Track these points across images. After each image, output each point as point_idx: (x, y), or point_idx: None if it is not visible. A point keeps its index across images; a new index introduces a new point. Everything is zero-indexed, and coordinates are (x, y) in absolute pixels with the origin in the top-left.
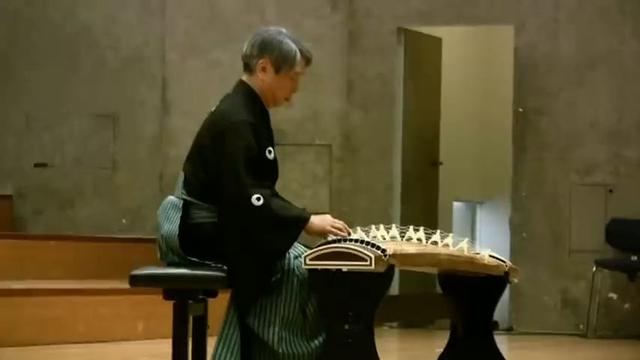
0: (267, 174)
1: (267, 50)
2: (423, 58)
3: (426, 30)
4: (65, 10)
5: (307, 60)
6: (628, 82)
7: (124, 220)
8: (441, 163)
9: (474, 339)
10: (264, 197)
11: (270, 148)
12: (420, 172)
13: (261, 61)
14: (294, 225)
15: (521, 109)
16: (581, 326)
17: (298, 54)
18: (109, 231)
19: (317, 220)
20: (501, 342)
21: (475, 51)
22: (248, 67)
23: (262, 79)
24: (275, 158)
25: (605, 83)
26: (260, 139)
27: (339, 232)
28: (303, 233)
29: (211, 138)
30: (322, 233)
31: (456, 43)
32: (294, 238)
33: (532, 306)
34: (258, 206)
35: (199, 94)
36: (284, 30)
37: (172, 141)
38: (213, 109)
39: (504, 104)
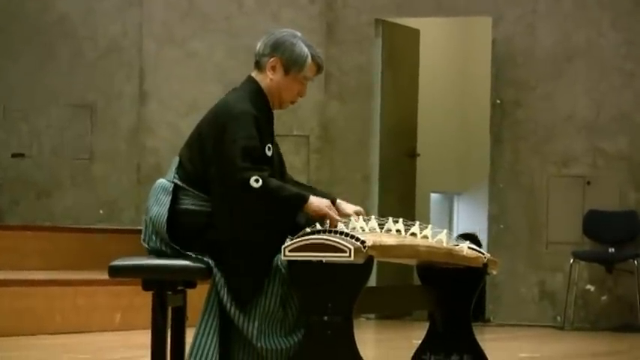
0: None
1: (279, 50)
2: (400, 50)
3: (403, 21)
4: (42, 0)
5: (318, 67)
6: (606, 75)
7: (101, 211)
8: (419, 155)
9: (453, 330)
10: (262, 178)
11: (270, 145)
12: (397, 164)
13: (271, 59)
14: (294, 203)
15: (498, 101)
16: (558, 318)
17: (309, 58)
18: (86, 222)
19: (316, 201)
20: (478, 333)
21: (453, 43)
22: (258, 65)
23: (271, 78)
24: (273, 156)
25: (583, 75)
26: (262, 134)
27: (334, 216)
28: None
29: (212, 126)
30: (319, 214)
31: (434, 35)
32: (293, 218)
33: (509, 298)
34: (256, 188)
35: (177, 85)
36: (299, 34)
37: (150, 131)
38: (218, 100)
39: (482, 96)
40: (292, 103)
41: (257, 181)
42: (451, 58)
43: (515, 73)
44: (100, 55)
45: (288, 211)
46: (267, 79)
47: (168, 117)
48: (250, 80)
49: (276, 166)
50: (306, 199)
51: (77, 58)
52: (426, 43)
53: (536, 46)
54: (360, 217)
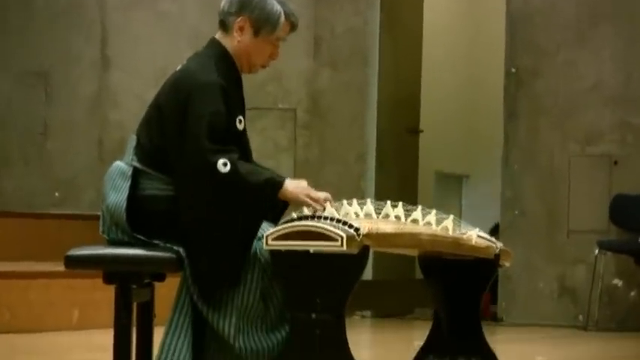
0: (235, 145)
1: (248, 8)
2: (401, 11)
3: None
4: None
5: (292, 25)
6: (636, 39)
7: (56, 193)
8: (422, 131)
9: (460, 331)
10: (231, 162)
11: (241, 117)
12: (397, 141)
13: (239, 19)
14: (266, 191)
15: (513, 70)
16: (580, 317)
17: (282, 16)
18: (39, 206)
19: (291, 186)
20: (489, 334)
21: (462, 2)
22: (224, 25)
23: (238, 40)
24: (245, 129)
25: (610, 40)
26: (230, 106)
27: (314, 204)
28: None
29: (174, 99)
30: (295, 203)
31: None
32: (276, 206)
33: (524, 294)
34: (225, 173)
35: (145, 49)
36: None
37: (113, 102)
38: (178, 67)
39: (495, 64)
40: (263, 67)
41: (225, 164)
42: (459, 20)
43: (533, 38)
44: (56, 14)
45: (260, 199)
46: (234, 41)
47: (134, 86)
48: (214, 43)
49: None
50: (280, 185)
51: (28, 19)
52: (430, 3)
53: (557, 6)
54: (354, 200)
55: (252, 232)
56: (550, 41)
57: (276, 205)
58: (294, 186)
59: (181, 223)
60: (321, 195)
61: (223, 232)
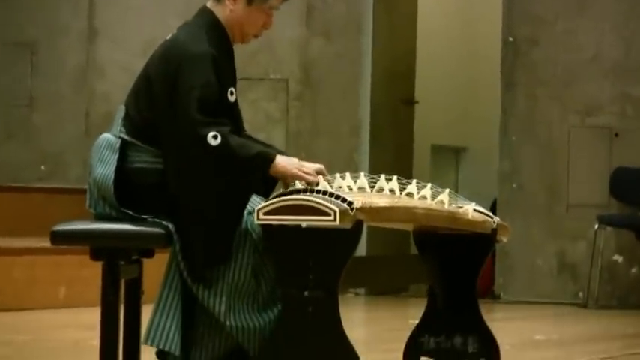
0: (227, 117)
1: None
2: None
3: None
4: None
5: None
6: (637, 9)
7: (43, 167)
8: (417, 102)
9: (456, 308)
10: (221, 135)
11: (232, 89)
12: (392, 112)
13: None
14: (257, 165)
15: (511, 39)
16: (580, 294)
17: None
18: (24, 179)
19: (283, 161)
20: (486, 311)
21: None
22: None
23: (231, 9)
24: (237, 101)
25: (611, 9)
26: (221, 77)
27: (306, 177)
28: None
29: (163, 70)
30: (287, 177)
31: None
32: (267, 181)
33: (523, 270)
34: (215, 146)
35: (133, 19)
36: None
37: (100, 74)
38: (168, 37)
39: (491, 33)
40: (256, 36)
41: (215, 137)
42: None
43: (531, 6)
44: None
45: (250, 174)
46: (226, 10)
47: (122, 57)
48: (205, 12)
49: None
50: (271, 159)
51: None
52: None
53: None
54: (347, 174)
55: (242, 206)
56: (549, 10)
57: (267, 180)
58: (286, 162)
59: (170, 196)
60: (315, 166)
61: (213, 205)
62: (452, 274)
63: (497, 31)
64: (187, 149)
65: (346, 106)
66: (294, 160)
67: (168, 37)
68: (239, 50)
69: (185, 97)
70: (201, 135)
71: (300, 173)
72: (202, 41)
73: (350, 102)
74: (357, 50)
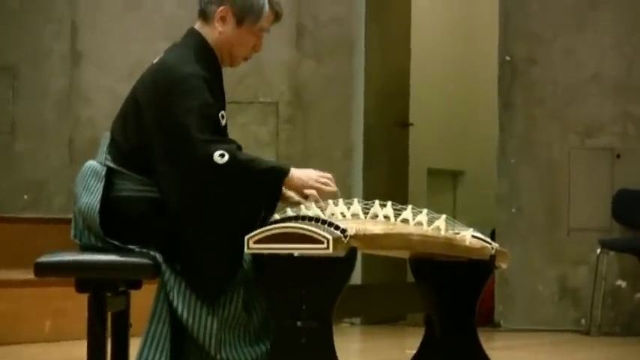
0: None
1: None
2: None
3: None
4: None
5: (276, 15)
6: (638, 25)
7: (25, 196)
8: (412, 124)
9: (454, 337)
10: (228, 152)
11: (223, 113)
12: (385, 135)
13: (220, 8)
14: (273, 178)
15: (508, 58)
16: (582, 321)
17: (266, 6)
18: (7, 209)
19: (298, 173)
20: (485, 340)
21: None
22: (204, 15)
23: (220, 31)
24: (226, 125)
25: (611, 24)
26: (214, 100)
27: (325, 187)
28: None
29: (153, 94)
30: (304, 189)
31: None
32: (275, 197)
33: (523, 297)
34: (223, 164)
35: (117, 42)
36: None
37: (85, 99)
38: (155, 60)
39: (488, 51)
40: (245, 59)
41: (222, 155)
42: (450, 6)
43: (529, 23)
44: (23, 6)
45: (264, 190)
46: (215, 31)
47: (107, 81)
48: (194, 34)
49: None
50: (286, 172)
51: None
52: None
53: None
54: (340, 200)
55: (251, 229)
56: (547, 27)
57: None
58: (303, 173)
59: (165, 225)
60: (328, 175)
61: (223, 230)
62: (450, 302)
63: (494, 50)
64: (193, 172)
65: (338, 129)
66: (311, 172)
67: (155, 61)
68: (227, 73)
69: (183, 119)
70: (207, 155)
71: (318, 185)
72: (192, 62)
73: (342, 125)
74: (348, 72)
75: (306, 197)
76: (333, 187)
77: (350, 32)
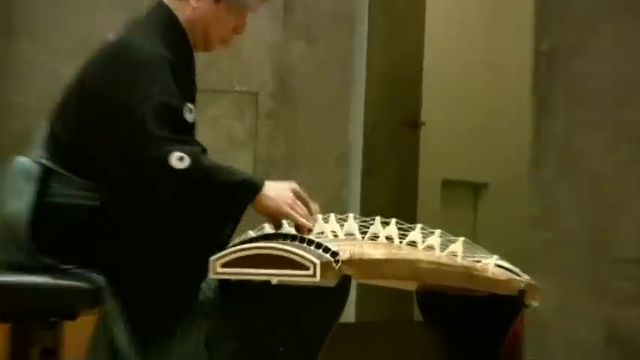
0: None
1: None
2: None
3: None
4: None
5: None
6: None
7: None
8: (424, 124)
9: None
10: (190, 155)
11: (191, 106)
12: (391, 137)
13: None
14: (240, 194)
15: (545, 47)
16: None
17: None
18: None
19: (272, 192)
20: None
21: None
22: None
23: (194, 7)
24: (195, 122)
25: None
26: (179, 90)
27: (299, 219)
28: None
29: (103, 77)
30: (275, 215)
31: None
32: (240, 214)
33: (560, 343)
34: (180, 170)
35: (60, 15)
36: None
37: (18, 82)
38: (111, 37)
39: (520, 39)
40: (223, 43)
41: (181, 159)
42: None
43: (573, 3)
44: None
45: (227, 208)
46: (187, 7)
47: (46, 61)
48: (161, 8)
49: None
50: (258, 187)
51: None
52: None
53: None
54: (332, 215)
55: (211, 251)
56: (593, 11)
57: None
58: (279, 191)
59: (103, 241)
60: (313, 207)
61: (176, 251)
62: (466, 347)
63: (528, 37)
64: (143, 175)
65: (333, 127)
66: (286, 190)
67: (111, 38)
68: (196, 55)
69: (139, 109)
70: (161, 155)
71: (292, 212)
72: (156, 42)
73: (337, 122)
74: (347, 56)
75: (279, 225)
76: (309, 224)
77: (349, 6)
